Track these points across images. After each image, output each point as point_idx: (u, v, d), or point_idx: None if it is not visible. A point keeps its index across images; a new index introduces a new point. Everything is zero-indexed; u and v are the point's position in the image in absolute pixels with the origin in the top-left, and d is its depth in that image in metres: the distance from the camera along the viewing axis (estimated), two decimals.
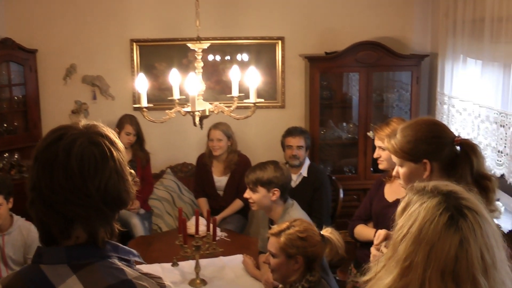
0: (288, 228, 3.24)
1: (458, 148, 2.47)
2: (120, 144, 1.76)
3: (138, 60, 6.31)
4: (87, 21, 6.25)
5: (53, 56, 6.30)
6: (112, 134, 1.75)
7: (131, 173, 1.79)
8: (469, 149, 2.43)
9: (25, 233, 4.39)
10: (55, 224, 1.66)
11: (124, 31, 6.28)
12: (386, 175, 4.09)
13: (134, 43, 6.28)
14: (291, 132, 5.57)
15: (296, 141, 5.48)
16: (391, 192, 4.04)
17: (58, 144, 1.65)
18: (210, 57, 6.26)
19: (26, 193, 1.68)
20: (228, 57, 6.30)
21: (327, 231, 3.25)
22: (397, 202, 3.91)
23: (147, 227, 5.67)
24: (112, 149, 1.70)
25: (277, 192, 4.09)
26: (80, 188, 1.63)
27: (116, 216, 1.76)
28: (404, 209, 1.77)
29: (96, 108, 6.39)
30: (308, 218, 4.05)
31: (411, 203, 1.76)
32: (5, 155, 6.02)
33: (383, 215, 3.93)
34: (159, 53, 6.32)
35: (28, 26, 6.25)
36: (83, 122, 1.74)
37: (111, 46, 6.31)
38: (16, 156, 6.10)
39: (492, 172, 4.52)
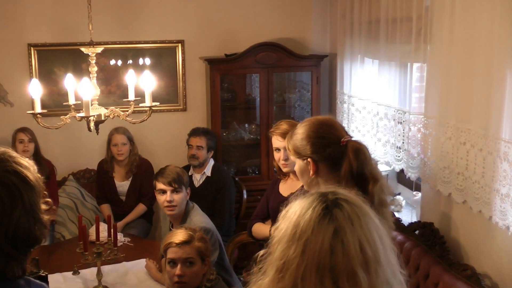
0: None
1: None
2: (32, 177, 1.66)
3: (37, 65, 6.15)
4: None
5: None
6: (23, 166, 1.65)
7: (47, 202, 1.70)
8: (350, 150, 2.47)
9: None
10: None
11: (21, 35, 6.09)
12: (281, 173, 4.18)
13: (32, 48, 6.11)
14: (193, 132, 5.63)
15: (196, 141, 5.51)
16: (285, 188, 4.16)
17: None
18: (112, 62, 6.19)
19: None
20: (129, 61, 6.24)
21: None
22: (290, 195, 4.02)
23: (49, 237, 5.54)
24: (22, 188, 1.59)
25: (189, 193, 4.13)
26: None
27: (29, 253, 1.67)
28: (285, 213, 1.72)
29: None
30: (209, 221, 4.08)
31: (291, 207, 1.71)
32: None
33: (280, 211, 4.01)
34: (58, 58, 6.18)
35: None
36: None
37: (8, 50, 6.11)
38: None
39: (392, 167, 4.67)
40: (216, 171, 5.53)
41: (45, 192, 1.71)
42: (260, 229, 4.25)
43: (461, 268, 3.51)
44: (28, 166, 1.69)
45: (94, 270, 4.15)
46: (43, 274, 3.00)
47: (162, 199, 4.06)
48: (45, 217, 1.68)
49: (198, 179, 5.47)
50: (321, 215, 1.59)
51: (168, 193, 4.03)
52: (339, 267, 1.53)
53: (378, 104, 4.83)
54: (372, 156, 4.85)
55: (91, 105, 3.72)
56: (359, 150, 2.48)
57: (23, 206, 1.58)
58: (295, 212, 1.65)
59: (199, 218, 4.03)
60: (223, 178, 5.45)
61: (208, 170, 5.52)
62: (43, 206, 1.68)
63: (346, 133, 2.61)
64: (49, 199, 1.72)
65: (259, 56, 5.93)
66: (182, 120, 6.32)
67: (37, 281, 1.72)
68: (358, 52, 5.26)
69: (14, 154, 1.68)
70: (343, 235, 1.55)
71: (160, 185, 4.06)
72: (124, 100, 4.09)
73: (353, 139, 2.56)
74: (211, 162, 5.58)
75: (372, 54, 5.00)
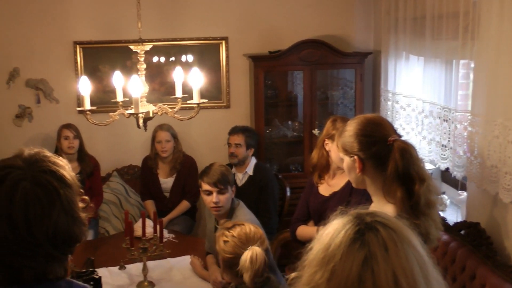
0: (224, 241, 3.23)
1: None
2: (68, 176, 1.65)
3: (82, 63, 6.24)
4: (30, 24, 6.14)
5: None
6: (59, 165, 1.65)
7: (83, 199, 1.70)
8: (396, 150, 2.45)
9: None
10: (1, 274, 1.57)
11: (67, 33, 6.19)
12: (317, 180, 4.20)
13: (77, 46, 6.20)
14: (231, 130, 5.63)
15: (234, 139, 5.50)
16: (325, 187, 4.15)
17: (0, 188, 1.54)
18: (155, 59, 6.23)
19: None
20: (172, 59, 6.28)
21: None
22: (334, 195, 4.00)
23: (93, 232, 5.63)
24: (59, 187, 1.59)
25: (234, 190, 4.14)
26: (27, 239, 1.52)
27: (69, 253, 1.66)
28: (320, 234, 1.56)
29: (40, 112, 6.29)
30: (254, 218, 4.08)
31: (327, 227, 1.55)
32: None
33: (323, 210, 4.04)
34: (102, 56, 6.26)
35: None
36: (26, 153, 1.63)
37: (54, 48, 6.22)
38: None
39: (437, 166, 4.62)
40: (258, 170, 5.51)
41: (81, 190, 1.70)
42: (305, 231, 4.24)
43: (509, 269, 3.45)
44: (63, 165, 1.68)
45: (139, 265, 4.19)
46: (96, 276, 3.05)
47: (208, 199, 4.07)
48: (83, 215, 1.68)
49: (240, 178, 5.46)
50: (352, 239, 1.44)
51: (214, 194, 4.02)
52: None
53: (423, 101, 4.78)
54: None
55: (140, 102, 3.75)
56: (405, 150, 2.46)
57: (61, 205, 1.58)
58: (328, 234, 1.51)
59: (245, 215, 4.04)
60: (266, 177, 5.43)
61: (250, 169, 5.50)
62: (80, 204, 1.68)
63: (395, 132, 2.58)
64: (85, 197, 1.71)
65: (303, 53, 5.92)
66: (225, 117, 6.33)
67: (80, 282, 1.71)
68: (403, 49, 5.21)
69: (48, 153, 1.68)
70: (374, 264, 1.40)
71: (205, 186, 4.05)
72: (171, 97, 4.10)
73: (401, 138, 2.54)
74: (253, 161, 5.56)
75: (417, 51, 4.95)
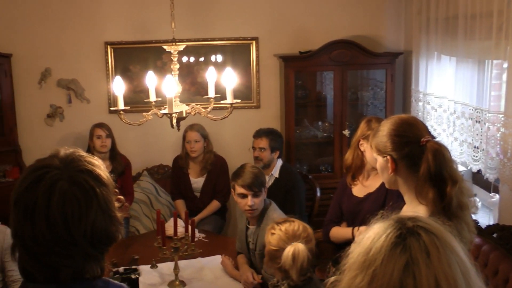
0: (271, 234, 3.24)
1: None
2: (104, 175, 1.66)
3: (113, 63, 6.29)
4: (61, 25, 6.23)
5: (28, 60, 6.27)
6: (95, 165, 1.66)
7: (119, 199, 1.72)
8: (429, 151, 2.42)
9: (0, 237, 4.37)
10: (39, 272, 1.59)
11: (99, 34, 6.26)
12: (351, 181, 4.17)
13: (109, 46, 6.27)
14: (255, 133, 5.55)
15: (258, 143, 5.43)
16: (359, 189, 4.12)
17: (37, 188, 1.55)
18: (184, 59, 6.26)
19: (3, 197, 1.60)
20: (202, 58, 6.31)
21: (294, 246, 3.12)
22: (368, 196, 3.98)
23: (124, 231, 5.67)
24: (96, 186, 1.60)
25: (266, 191, 4.13)
26: (65, 238, 1.54)
27: (106, 253, 1.67)
28: (361, 238, 1.55)
29: (72, 112, 6.37)
30: (285, 216, 4.07)
31: (367, 232, 1.54)
32: None
33: (357, 211, 4.02)
34: (133, 56, 6.31)
35: (2, 31, 6.20)
36: (62, 153, 1.65)
37: (85, 49, 6.29)
38: None
39: (469, 167, 4.58)
40: (284, 172, 5.43)
41: (116, 190, 1.71)
42: (338, 232, 4.21)
43: None
44: (99, 165, 1.69)
45: (170, 264, 4.21)
46: (134, 277, 3.07)
47: (243, 202, 4.04)
48: (119, 214, 1.69)
49: (266, 180, 5.43)
50: (394, 243, 1.42)
51: (249, 197, 4.00)
52: None
53: (455, 102, 4.74)
54: None
55: (173, 102, 3.77)
56: (438, 151, 2.42)
57: (98, 204, 1.59)
58: (369, 237, 1.49)
59: (277, 215, 4.03)
60: (292, 179, 5.35)
61: (275, 172, 5.43)
62: (116, 204, 1.69)
63: (429, 133, 2.55)
64: (121, 196, 1.75)
65: (333, 53, 5.90)
66: (255, 117, 6.35)
67: (116, 282, 1.72)
68: (435, 49, 5.17)
69: (83, 153, 1.69)
70: (415, 269, 1.38)
71: (240, 189, 4.03)
72: (204, 97, 4.12)
73: (434, 139, 2.52)
74: (279, 163, 5.48)
75: (449, 51, 4.91)
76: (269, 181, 5.38)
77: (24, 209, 1.55)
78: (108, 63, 6.29)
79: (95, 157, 1.73)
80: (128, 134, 6.16)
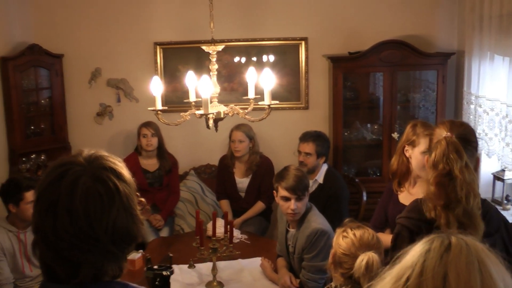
0: (343, 237, 3.13)
1: None
2: (127, 175, 1.67)
3: (162, 63, 6.34)
4: (111, 26, 6.34)
5: (78, 60, 6.40)
6: (117, 164, 1.67)
7: (140, 201, 1.72)
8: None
9: None
10: (60, 268, 1.58)
11: (148, 34, 6.33)
12: (397, 188, 4.02)
13: (158, 46, 6.32)
14: (301, 137, 5.40)
15: (304, 147, 5.30)
16: (405, 196, 3.94)
17: (60, 183, 1.56)
18: (236, 59, 6.26)
19: None
20: (254, 58, 6.28)
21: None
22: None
23: (168, 229, 5.73)
24: (118, 184, 1.61)
25: (307, 197, 4.05)
26: (87, 233, 1.54)
27: (127, 253, 1.67)
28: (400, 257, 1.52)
29: (120, 111, 6.47)
30: (326, 222, 4.00)
31: (407, 251, 1.52)
32: (32, 156, 6.15)
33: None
34: (182, 56, 6.34)
35: (54, 32, 6.36)
36: (85, 152, 1.66)
37: (135, 49, 6.37)
38: (42, 157, 6.23)
39: None
40: (329, 178, 5.27)
41: (137, 193, 1.71)
42: (382, 239, 4.11)
43: None
44: (122, 165, 1.69)
45: (209, 265, 4.21)
46: (165, 274, 3.07)
47: (285, 205, 3.98)
48: (141, 216, 1.69)
49: (310, 185, 5.33)
50: (423, 242, 1.46)
51: (293, 201, 3.93)
52: None
53: (507, 105, 4.58)
54: (500, 161, 4.64)
55: (211, 102, 3.75)
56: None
57: (120, 202, 1.59)
58: (412, 249, 1.49)
59: (316, 219, 3.97)
60: (336, 186, 5.20)
61: (320, 177, 5.28)
62: (138, 207, 1.69)
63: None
64: (142, 199, 1.74)
65: (383, 54, 5.78)
66: (303, 118, 6.27)
67: (135, 285, 1.70)
68: (488, 48, 5.01)
69: (106, 154, 1.69)
70: (427, 256, 1.41)
71: (283, 192, 3.97)
72: (244, 97, 4.08)
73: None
74: (324, 168, 5.32)
75: (502, 50, 4.75)
76: (312, 185, 5.23)
77: (47, 204, 1.56)
78: (157, 63, 6.34)
79: (118, 159, 1.73)
80: (177, 133, 6.18)
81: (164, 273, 3.27)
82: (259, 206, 5.65)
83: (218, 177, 5.96)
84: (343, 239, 3.07)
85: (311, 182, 5.19)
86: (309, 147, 5.26)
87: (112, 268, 1.62)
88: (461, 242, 1.42)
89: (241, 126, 5.67)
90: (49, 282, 1.63)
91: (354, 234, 3.05)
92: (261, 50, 6.29)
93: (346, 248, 3.02)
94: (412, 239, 1.62)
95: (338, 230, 3.16)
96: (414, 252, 1.44)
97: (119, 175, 1.64)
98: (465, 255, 1.39)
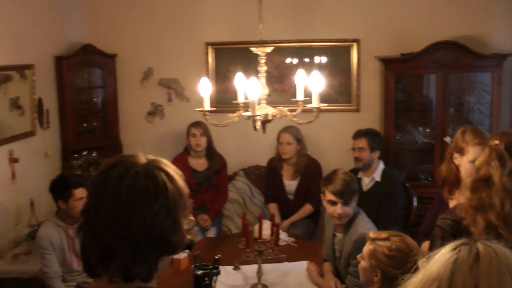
0: (383, 239, 3.05)
1: None
2: (180, 182, 1.66)
3: (213, 63, 6.36)
4: (164, 26, 6.41)
5: (131, 60, 6.50)
6: (174, 170, 1.67)
7: (190, 220, 1.72)
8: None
9: None
10: (94, 252, 1.59)
11: (199, 34, 6.37)
12: (448, 195, 3.91)
13: (209, 46, 6.34)
14: (354, 134, 5.44)
15: (357, 143, 5.34)
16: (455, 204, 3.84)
17: (113, 171, 1.60)
18: (288, 60, 6.24)
19: None
20: (307, 60, 6.24)
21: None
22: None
23: (216, 229, 5.76)
24: (168, 184, 1.61)
25: (357, 199, 4.00)
26: (124, 219, 1.55)
27: (160, 260, 1.64)
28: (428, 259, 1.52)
29: (171, 110, 6.53)
30: (374, 227, 3.93)
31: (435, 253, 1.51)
32: (83, 153, 6.26)
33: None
34: (234, 56, 6.35)
35: (108, 33, 6.49)
36: (143, 156, 1.67)
37: (187, 49, 6.42)
38: (94, 154, 6.33)
39: None
40: (386, 176, 5.28)
41: (191, 217, 1.72)
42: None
43: None
44: (179, 173, 1.69)
45: (254, 267, 4.17)
46: (198, 273, 3.07)
47: (331, 209, 3.94)
48: (185, 228, 1.66)
49: (366, 183, 5.29)
50: (449, 248, 1.43)
51: (339, 205, 3.88)
52: None
53: None
54: None
55: (259, 104, 3.72)
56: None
57: (165, 202, 1.59)
58: (434, 257, 1.47)
59: (364, 224, 3.89)
60: (392, 184, 5.20)
61: (377, 175, 5.28)
62: (185, 221, 1.67)
63: None
64: (192, 217, 1.72)
65: (436, 55, 5.66)
66: (354, 121, 6.17)
67: None
68: None
69: (166, 161, 1.70)
70: (456, 267, 1.37)
71: (330, 196, 3.93)
72: (292, 99, 4.04)
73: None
74: (381, 167, 5.33)
75: None
76: (369, 183, 5.28)
77: (96, 188, 1.60)
78: (208, 63, 6.36)
79: (177, 170, 1.72)
80: (227, 134, 6.20)
81: (198, 272, 3.29)
82: (307, 208, 5.60)
83: (267, 179, 5.94)
84: (388, 258, 2.99)
85: (367, 179, 5.19)
86: (361, 142, 5.30)
87: (141, 269, 1.59)
88: (490, 251, 1.38)
89: (289, 128, 5.63)
90: (86, 269, 1.65)
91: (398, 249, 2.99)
92: (312, 51, 6.24)
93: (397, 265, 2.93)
94: (444, 238, 1.61)
95: (372, 247, 3.09)
96: (440, 262, 1.41)
97: (171, 178, 1.64)
98: (496, 266, 1.35)
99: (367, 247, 3.10)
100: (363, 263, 3.13)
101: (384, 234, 3.09)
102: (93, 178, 1.64)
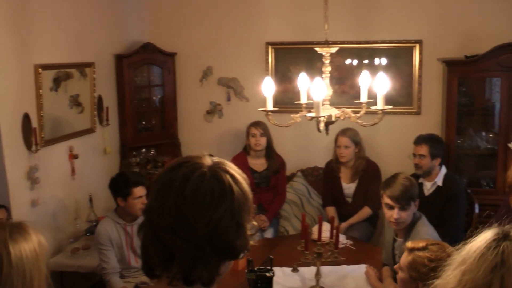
0: (421, 249, 2.99)
1: None
2: (245, 186, 1.63)
3: (273, 63, 6.34)
4: (224, 25, 6.43)
5: (190, 59, 6.55)
6: (240, 174, 1.64)
7: (253, 225, 1.67)
8: None
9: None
10: (155, 252, 1.57)
11: (260, 34, 6.36)
12: None
13: (270, 46, 6.32)
14: (415, 140, 5.32)
15: (418, 150, 5.22)
16: None
17: (178, 170, 1.58)
18: (348, 61, 6.17)
19: None
20: (366, 61, 6.17)
21: None
22: None
23: (273, 230, 5.73)
24: (234, 187, 1.58)
25: (416, 205, 3.92)
26: (188, 219, 1.52)
27: (222, 264, 1.61)
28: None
29: (230, 110, 6.55)
30: (435, 234, 3.85)
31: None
32: (142, 151, 6.33)
33: None
34: (294, 56, 6.32)
35: (168, 31, 6.56)
36: (209, 158, 1.65)
37: (246, 49, 6.43)
38: (152, 152, 6.40)
39: None
40: (448, 181, 5.17)
41: (254, 223, 1.66)
42: None
43: None
44: (244, 177, 1.65)
45: (313, 269, 4.14)
46: (268, 275, 3.04)
47: (388, 213, 3.90)
48: (249, 233, 1.63)
49: (428, 187, 5.19)
50: (488, 245, 1.50)
51: (396, 210, 3.84)
52: None
53: None
54: None
55: (322, 105, 3.68)
56: None
57: (230, 205, 1.55)
58: (470, 241, 1.58)
59: (425, 230, 3.82)
60: (455, 188, 5.10)
61: (439, 180, 5.18)
62: (248, 226, 1.64)
63: None
64: (255, 223, 1.68)
65: (501, 58, 5.50)
66: (415, 124, 6.08)
67: None
68: None
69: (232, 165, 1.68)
70: (504, 271, 1.43)
71: (387, 200, 3.88)
72: (355, 101, 3.99)
73: None
74: (443, 171, 5.23)
75: None
76: (430, 188, 5.19)
77: (160, 186, 1.58)
78: (268, 63, 6.35)
79: (241, 174, 1.68)
80: (285, 134, 6.15)
81: (268, 274, 3.26)
82: (365, 211, 5.53)
83: (325, 183, 5.87)
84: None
85: (429, 184, 5.10)
86: (422, 149, 5.19)
87: (202, 273, 1.56)
88: None
89: (346, 131, 5.56)
90: (146, 270, 1.63)
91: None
92: (373, 53, 6.16)
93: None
94: None
95: (411, 258, 3.00)
96: (479, 261, 1.47)
97: (237, 181, 1.60)
98: None
99: (405, 258, 3.03)
100: (401, 274, 3.06)
101: (421, 243, 3.02)
102: (158, 177, 1.62)
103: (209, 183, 1.55)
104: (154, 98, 6.57)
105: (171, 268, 1.56)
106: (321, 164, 6.18)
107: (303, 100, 3.90)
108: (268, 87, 3.77)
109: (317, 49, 3.93)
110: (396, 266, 3.19)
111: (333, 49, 3.90)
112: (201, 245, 1.53)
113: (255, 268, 3.38)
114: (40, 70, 4.93)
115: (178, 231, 1.53)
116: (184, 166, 1.58)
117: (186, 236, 1.52)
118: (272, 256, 3.80)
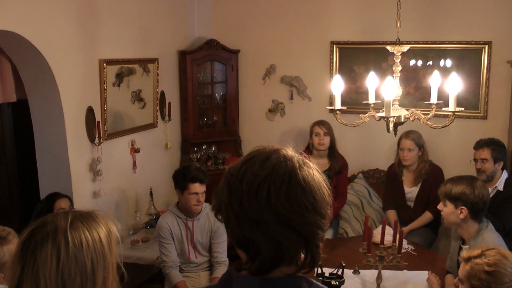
0: (477, 256, 2.90)
1: None
2: (319, 175, 1.62)
3: (337, 63, 6.27)
4: (289, 24, 6.40)
5: (254, 56, 6.55)
6: (311, 167, 1.62)
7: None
8: None
9: (212, 219, 4.60)
10: (292, 245, 1.53)
11: (325, 33, 6.30)
12: None
13: (334, 45, 6.26)
14: (476, 145, 5.16)
15: (479, 154, 5.06)
16: None
17: (269, 163, 1.53)
18: (412, 62, 6.05)
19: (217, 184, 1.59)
20: (430, 62, 6.03)
21: None
22: None
23: (332, 231, 5.66)
24: (319, 181, 1.58)
25: (464, 211, 3.77)
26: (284, 213, 1.48)
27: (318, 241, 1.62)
28: None
29: (292, 108, 6.52)
30: (502, 242, 3.73)
31: None
32: (203, 147, 6.35)
33: None
34: (358, 56, 6.24)
35: (232, 28, 6.58)
36: (290, 150, 1.63)
37: (311, 47, 6.38)
38: (213, 149, 6.42)
39: None
40: (509, 185, 5.02)
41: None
42: None
43: None
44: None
45: (374, 272, 4.09)
46: (334, 284, 3.00)
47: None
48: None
49: (489, 192, 5.05)
50: None
51: (441, 202, 3.88)
52: None
53: None
54: None
55: (392, 105, 3.61)
56: None
57: (315, 197, 1.55)
58: None
59: (492, 238, 3.71)
60: None
61: (500, 185, 5.03)
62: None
63: None
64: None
65: None
66: (480, 128, 5.90)
67: (319, 284, 1.63)
68: None
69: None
70: None
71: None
72: (425, 102, 3.91)
73: None
74: (504, 175, 5.07)
75: None
76: (491, 193, 4.94)
77: (250, 182, 1.51)
78: (332, 62, 6.29)
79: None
80: (348, 135, 6.12)
81: (333, 282, 3.21)
82: (427, 216, 5.41)
83: (386, 186, 5.78)
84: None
85: (490, 189, 4.92)
86: (484, 153, 5.03)
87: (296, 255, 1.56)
88: None
89: (410, 133, 5.45)
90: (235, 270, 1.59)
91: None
92: (438, 54, 6.00)
93: None
94: None
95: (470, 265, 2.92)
96: None
97: (319, 174, 1.61)
98: None
99: (463, 269, 2.94)
100: (462, 287, 2.96)
101: (477, 251, 2.94)
102: (228, 171, 1.58)
103: (299, 177, 1.53)
104: (216, 94, 6.58)
105: (255, 259, 1.53)
106: (383, 166, 6.10)
107: (371, 100, 3.84)
108: (337, 85, 3.72)
109: (388, 47, 3.86)
110: (455, 281, 3.11)
111: (405, 48, 3.83)
112: (315, 221, 1.55)
113: (325, 274, 3.33)
114: (105, 64, 5.01)
115: (256, 227, 1.49)
116: (273, 157, 1.55)
117: (265, 228, 1.49)
118: (344, 263, 3.75)
